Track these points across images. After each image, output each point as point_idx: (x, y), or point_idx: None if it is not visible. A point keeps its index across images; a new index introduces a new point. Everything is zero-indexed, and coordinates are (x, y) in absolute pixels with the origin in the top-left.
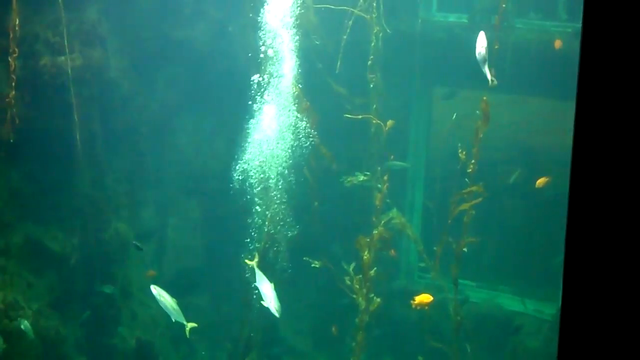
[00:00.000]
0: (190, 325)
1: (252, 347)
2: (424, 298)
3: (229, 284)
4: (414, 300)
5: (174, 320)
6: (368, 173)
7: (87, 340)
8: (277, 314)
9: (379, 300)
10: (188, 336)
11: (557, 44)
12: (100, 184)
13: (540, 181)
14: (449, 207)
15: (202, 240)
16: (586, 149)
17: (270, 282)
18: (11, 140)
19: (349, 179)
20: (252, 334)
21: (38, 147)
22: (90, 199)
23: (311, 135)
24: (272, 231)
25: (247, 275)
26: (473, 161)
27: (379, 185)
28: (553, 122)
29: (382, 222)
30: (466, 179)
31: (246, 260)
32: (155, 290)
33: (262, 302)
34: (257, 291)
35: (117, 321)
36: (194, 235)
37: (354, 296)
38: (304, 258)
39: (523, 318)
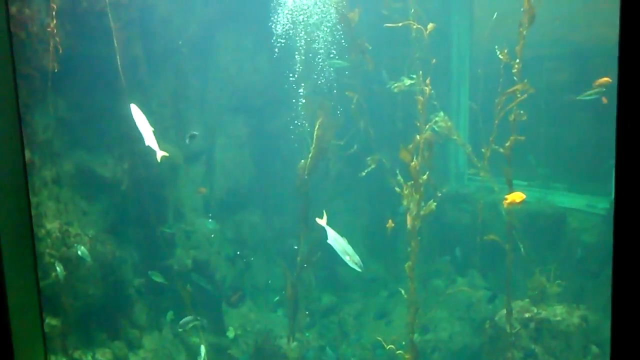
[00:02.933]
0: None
1: (307, 262)
2: (516, 197)
3: (280, 198)
4: (505, 199)
5: (350, 264)
6: (414, 77)
7: (143, 262)
8: (359, 269)
9: (431, 204)
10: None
11: None
12: (146, 108)
13: (600, 81)
14: (495, 107)
15: (250, 157)
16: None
17: (342, 237)
18: (56, 70)
19: (395, 85)
20: (305, 249)
21: (82, 75)
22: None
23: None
24: (320, 143)
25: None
26: (517, 60)
27: (424, 89)
28: (597, 15)
29: (427, 126)
30: (515, 78)
31: (316, 219)
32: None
33: (345, 260)
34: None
35: (172, 242)
36: (242, 153)
37: (405, 202)
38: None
39: (576, 213)
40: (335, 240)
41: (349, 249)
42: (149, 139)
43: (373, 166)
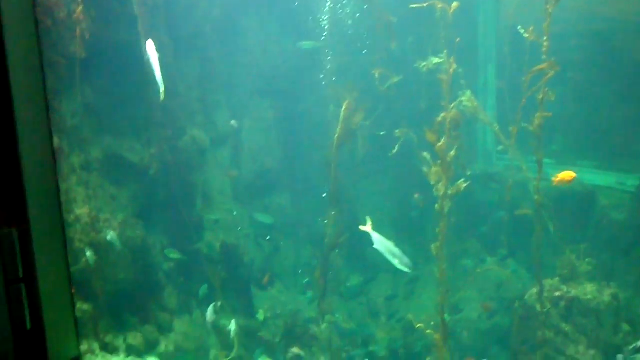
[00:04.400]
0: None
1: (336, 244)
2: (566, 175)
3: (307, 181)
4: (555, 177)
5: (399, 267)
6: (442, 55)
7: (172, 247)
8: (409, 270)
9: (460, 184)
10: None
11: None
12: (172, 93)
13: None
14: (522, 85)
15: (277, 139)
16: None
17: (389, 240)
18: (82, 57)
19: (423, 64)
20: (334, 231)
21: (108, 61)
22: (164, 108)
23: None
24: (347, 125)
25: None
26: (545, 38)
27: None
28: None
29: (452, 105)
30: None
31: (360, 227)
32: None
33: (394, 262)
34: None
35: (200, 226)
36: (270, 136)
37: (433, 183)
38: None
39: (605, 191)
40: (382, 244)
41: (397, 251)
42: (158, 76)
43: (401, 140)
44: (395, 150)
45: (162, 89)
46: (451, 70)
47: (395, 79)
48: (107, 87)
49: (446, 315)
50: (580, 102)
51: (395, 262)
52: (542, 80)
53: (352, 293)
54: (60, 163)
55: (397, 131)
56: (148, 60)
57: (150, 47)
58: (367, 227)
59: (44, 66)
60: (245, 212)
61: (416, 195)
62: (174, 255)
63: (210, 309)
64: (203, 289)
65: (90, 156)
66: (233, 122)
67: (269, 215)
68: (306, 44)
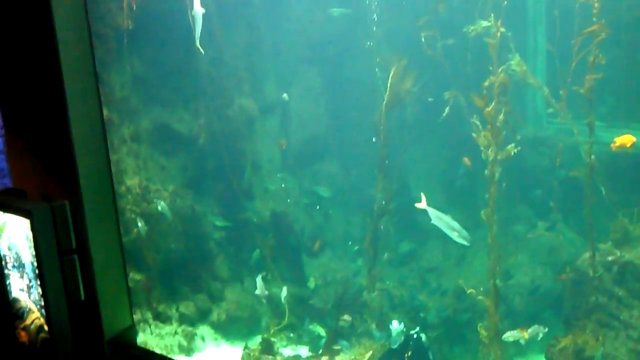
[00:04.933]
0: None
1: (386, 211)
2: (626, 140)
3: (357, 148)
4: (614, 142)
5: (459, 240)
6: (490, 19)
7: (223, 216)
8: (468, 243)
9: (510, 149)
10: None
11: None
12: (219, 62)
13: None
14: (572, 48)
15: (325, 107)
16: None
17: (445, 214)
18: (130, 28)
19: (472, 28)
20: (384, 199)
21: (156, 31)
22: (211, 77)
23: None
24: (395, 91)
25: None
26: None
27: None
28: None
29: (500, 69)
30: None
31: (415, 204)
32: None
33: (453, 236)
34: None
35: (250, 195)
36: (318, 103)
37: (482, 148)
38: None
39: None
40: (440, 218)
41: (455, 224)
42: (198, 30)
43: (450, 103)
44: (445, 114)
45: (197, 42)
46: (498, 33)
47: (443, 43)
48: (154, 58)
49: (497, 281)
50: (633, 63)
51: (454, 236)
52: (592, 43)
53: (402, 260)
54: (110, 134)
55: (446, 93)
56: (193, 16)
57: (197, 3)
58: (422, 204)
59: (92, 38)
60: (294, 181)
61: (465, 159)
62: (220, 222)
63: (259, 280)
64: (255, 254)
65: (139, 127)
66: (284, 95)
67: (326, 188)
68: (336, 11)
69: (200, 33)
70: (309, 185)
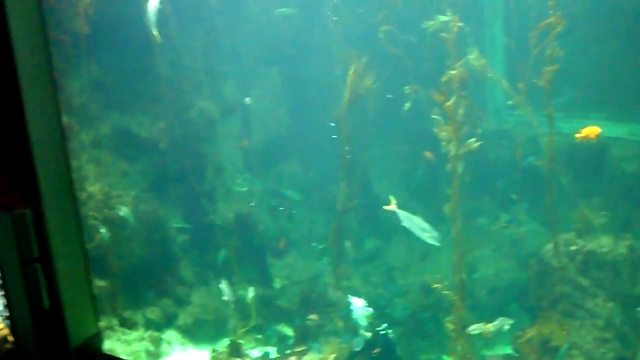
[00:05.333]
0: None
1: (349, 209)
2: (591, 131)
3: (317, 147)
4: (579, 133)
5: (430, 241)
6: (449, 13)
7: (186, 219)
8: (438, 243)
9: (471, 143)
10: None
11: None
12: (178, 65)
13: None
14: (529, 41)
15: (286, 107)
16: None
17: (415, 215)
18: (87, 33)
19: (430, 24)
20: (346, 196)
21: (113, 36)
22: (171, 81)
23: None
24: (355, 89)
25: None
26: None
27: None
28: None
29: (459, 63)
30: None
31: (384, 207)
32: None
33: (423, 237)
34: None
35: (213, 197)
36: (278, 103)
37: (444, 143)
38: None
39: (618, 142)
40: (409, 220)
41: (426, 225)
42: (151, 20)
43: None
44: (406, 109)
45: (155, 32)
46: (455, 28)
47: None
48: (113, 62)
49: (463, 274)
50: (589, 54)
51: (425, 237)
52: (550, 35)
53: (367, 257)
54: (70, 141)
55: (406, 88)
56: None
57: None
58: (392, 206)
59: (49, 45)
60: (258, 182)
61: (426, 153)
62: (177, 223)
63: (224, 286)
64: (222, 253)
65: (99, 133)
66: (247, 99)
67: (296, 192)
68: (282, 11)
69: (159, 34)
70: (273, 186)
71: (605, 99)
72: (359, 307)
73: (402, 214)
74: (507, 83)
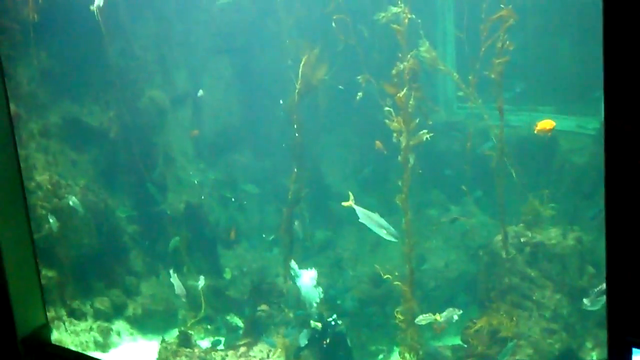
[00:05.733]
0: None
1: (300, 200)
2: (547, 124)
3: (269, 138)
4: (536, 126)
5: (387, 238)
6: (402, 5)
7: (136, 209)
8: (396, 240)
9: (422, 134)
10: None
11: None
12: (128, 54)
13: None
14: (480, 34)
15: (237, 97)
16: None
17: (373, 211)
18: (36, 21)
19: (382, 15)
20: (297, 186)
21: (63, 24)
22: (121, 70)
23: None
24: (307, 80)
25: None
26: None
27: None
28: None
29: (409, 55)
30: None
31: (343, 203)
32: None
33: (381, 234)
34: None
35: (163, 187)
36: (230, 93)
37: (395, 135)
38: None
39: (566, 135)
40: (368, 217)
41: (383, 222)
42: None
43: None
44: (358, 98)
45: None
46: (406, 20)
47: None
48: (62, 51)
49: (413, 265)
50: (539, 47)
51: (383, 233)
52: (501, 28)
53: (317, 248)
54: (18, 130)
55: (358, 77)
56: None
57: None
58: (350, 202)
59: None
60: (209, 172)
61: (377, 144)
62: (125, 213)
63: (174, 280)
64: (174, 242)
65: (48, 121)
66: (200, 91)
67: (254, 185)
68: (222, 2)
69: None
70: (224, 176)
71: (553, 93)
72: (308, 283)
73: (360, 210)
74: (458, 75)
